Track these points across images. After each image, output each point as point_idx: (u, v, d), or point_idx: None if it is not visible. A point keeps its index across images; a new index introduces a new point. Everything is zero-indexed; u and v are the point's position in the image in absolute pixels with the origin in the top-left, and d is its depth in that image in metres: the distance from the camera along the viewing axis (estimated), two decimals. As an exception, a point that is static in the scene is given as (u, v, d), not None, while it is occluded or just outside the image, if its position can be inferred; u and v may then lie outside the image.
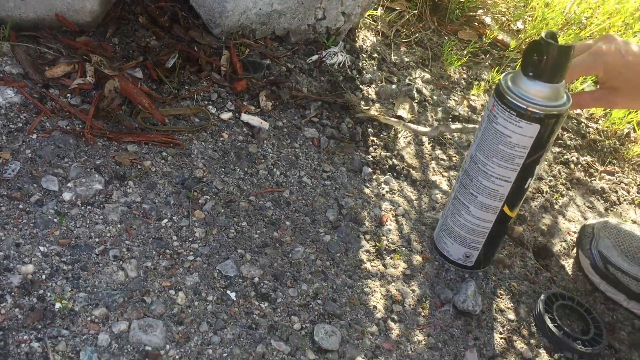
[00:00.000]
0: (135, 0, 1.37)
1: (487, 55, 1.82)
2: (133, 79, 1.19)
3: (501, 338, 1.05)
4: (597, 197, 1.49)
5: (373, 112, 1.38)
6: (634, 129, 1.72)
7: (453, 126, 1.38)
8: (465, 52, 1.75)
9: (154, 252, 0.94)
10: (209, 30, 1.40)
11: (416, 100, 1.54)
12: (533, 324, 1.09)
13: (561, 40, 0.94)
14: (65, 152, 1.03)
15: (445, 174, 1.35)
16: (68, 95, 1.12)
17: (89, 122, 1.07)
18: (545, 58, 0.92)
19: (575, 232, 1.34)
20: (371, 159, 1.29)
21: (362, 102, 1.43)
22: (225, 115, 1.23)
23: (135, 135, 1.09)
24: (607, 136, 1.69)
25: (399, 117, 1.45)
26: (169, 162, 1.09)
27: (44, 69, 1.14)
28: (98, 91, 1.13)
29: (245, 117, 1.24)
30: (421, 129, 1.36)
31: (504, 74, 1.00)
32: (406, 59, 1.67)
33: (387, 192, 1.24)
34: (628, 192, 1.53)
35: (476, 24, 1.92)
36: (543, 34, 0.92)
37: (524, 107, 0.94)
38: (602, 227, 1.22)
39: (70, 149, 1.03)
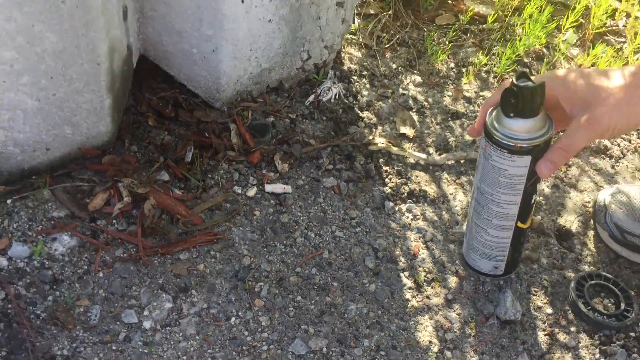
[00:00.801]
0: (137, 99, 1.48)
1: (468, 34, 1.88)
2: (162, 185, 1.31)
3: (545, 335, 1.19)
4: (602, 155, 1.59)
5: (381, 143, 1.48)
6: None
7: (457, 154, 1.49)
8: (447, 40, 1.82)
9: (234, 353, 1.09)
10: (211, 105, 1.50)
11: (414, 110, 1.63)
12: (570, 312, 1.23)
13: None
14: (131, 280, 1.16)
15: (458, 181, 1.46)
16: (114, 221, 1.24)
17: (141, 244, 1.20)
18: (522, 101, 1.01)
19: (589, 203, 1.45)
20: (389, 190, 1.41)
21: (366, 131, 1.53)
22: (251, 192, 1.34)
23: (183, 243, 1.22)
24: (599, 86, 1.77)
25: (403, 135, 1.55)
26: (218, 259, 1.22)
27: (85, 202, 1.27)
28: (138, 210, 1.25)
29: (269, 187, 1.36)
30: (429, 158, 1.47)
31: (488, 112, 1.09)
32: (393, 65, 1.75)
33: (411, 219, 1.36)
34: (629, 141, 1.63)
35: (450, 1, 1.97)
36: (514, 79, 1.02)
37: (512, 144, 1.05)
38: (612, 199, 1.33)
39: (134, 276, 1.17)
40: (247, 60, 1.44)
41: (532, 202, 1.15)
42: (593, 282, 1.27)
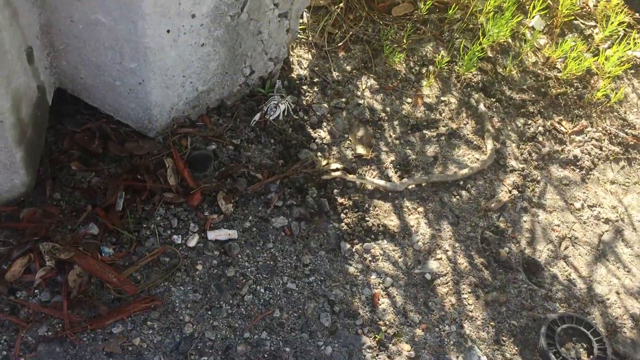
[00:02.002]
0: (59, 134, 1.31)
1: (428, 26, 1.72)
2: (90, 244, 1.17)
3: (514, 393, 1.11)
4: (572, 167, 1.48)
5: (335, 171, 1.35)
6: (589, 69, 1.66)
7: (418, 178, 1.36)
8: (404, 36, 1.66)
9: None
10: (144, 134, 1.34)
11: (370, 123, 1.49)
12: (540, 362, 1.15)
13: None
14: (58, 366, 1.04)
15: (420, 209, 1.35)
16: (36, 291, 1.11)
17: (67, 319, 1.07)
18: None
19: (558, 226, 1.36)
20: (345, 227, 1.29)
21: (319, 155, 1.39)
22: (192, 242, 1.21)
23: (115, 314, 1.10)
24: (570, 83, 1.64)
25: (359, 157, 1.42)
26: (156, 329, 1.10)
27: (3, 269, 1.12)
28: (63, 276, 1.12)
29: (212, 235, 1.23)
30: (389, 185, 1.34)
31: None
32: (347, 67, 1.60)
33: (370, 260, 1.25)
34: (600, 148, 1.52)
35: (407, -14, 1.80)
36: None
37: None
38: None
39: (60, 359, 1.04)
40: (180, 86, 1.28)
41: None
42: (565, 325, 1.19)
